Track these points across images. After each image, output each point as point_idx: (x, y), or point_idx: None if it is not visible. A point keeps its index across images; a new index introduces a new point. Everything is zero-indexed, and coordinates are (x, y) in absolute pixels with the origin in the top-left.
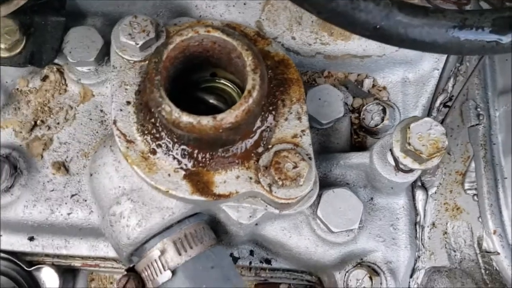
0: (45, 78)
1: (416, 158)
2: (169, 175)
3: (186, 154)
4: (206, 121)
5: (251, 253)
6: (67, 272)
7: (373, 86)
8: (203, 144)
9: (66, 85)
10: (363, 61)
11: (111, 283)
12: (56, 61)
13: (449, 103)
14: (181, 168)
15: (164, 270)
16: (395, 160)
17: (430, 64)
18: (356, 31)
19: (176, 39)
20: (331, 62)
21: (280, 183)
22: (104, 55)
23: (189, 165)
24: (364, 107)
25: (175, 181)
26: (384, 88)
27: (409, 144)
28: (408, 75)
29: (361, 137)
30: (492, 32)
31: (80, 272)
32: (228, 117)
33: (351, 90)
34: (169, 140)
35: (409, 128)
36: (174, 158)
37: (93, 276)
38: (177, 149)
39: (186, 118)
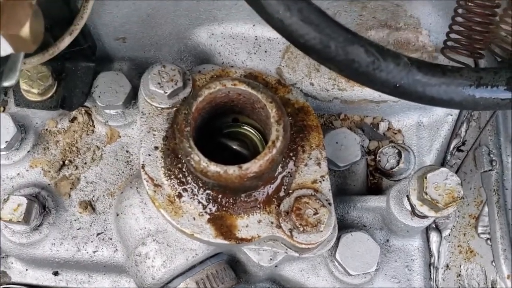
0: (73, 120)
1: (432, 206)
2: (194, 218)
3: (210, 199)
4: (232, 170)
5: None
6: None
7: (388, 129)
8: (228, 190)
9: (94, 126)
10: (378, 106)
11: None
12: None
13: (462, 147)
14: (206, 212)
15: None
16: (412, 206)
17: (444, 110)
18: (376, 89)
19: (205, 91)
20: (347, 106)
21: (301, 228)
22: (131, 99)
23: (213, 209)
24: (380, 150)
25: (199, 225)
26: (399, 131)
27: (426, 193)
28: (422, 119)
29: (377, 179)
30: (507, 90)
31: None
32: (253, 167)
33: (367, 133)
34: (194, 185)
35: (426, 177)
36: (199, 202)
37: None
38: (202, 194)
39: (213, 168)
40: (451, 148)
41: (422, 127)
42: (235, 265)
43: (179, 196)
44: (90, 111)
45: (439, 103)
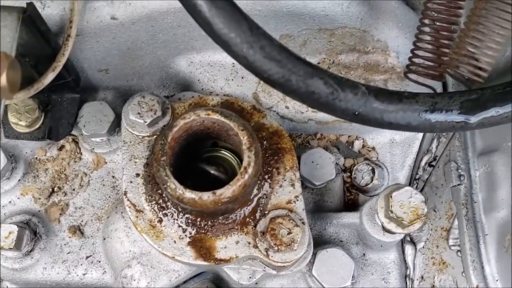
0: (61, 148)
1: (398, 223)
2: (174, 242)
3: (189, 222)
4: (206, 196)
5: None
6: None
7: (363, 146)
8: (205, 214)
9: (81, 154)
10: (352, 125)
11: None
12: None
13: (434, 163)
14: (186, 235)
15: None
16: (381, 223)
17: None
18: (338, 116)
19: (180, 122)
20: (322, 126)
21: (276, 248)
22: (115, 127)
23: (193, 232)
24: (355, 167)
25: (180, 248)
26: (373, 148)
27: (392, 211)
28: (395, 137)
29: (353, 195)
30: (461, 113)
31: None
32: (226, 192)
33: (343, 151)
34: (174, 209)
35: (391, 196)
36: (179, 226)
37: None
38: (181, 218)
39: (189, 195)
40: (423, 164)
41: (395, 144)
42: (220, 282)
43: (160, 220)
44: (77, 139)
45: (398, 128)
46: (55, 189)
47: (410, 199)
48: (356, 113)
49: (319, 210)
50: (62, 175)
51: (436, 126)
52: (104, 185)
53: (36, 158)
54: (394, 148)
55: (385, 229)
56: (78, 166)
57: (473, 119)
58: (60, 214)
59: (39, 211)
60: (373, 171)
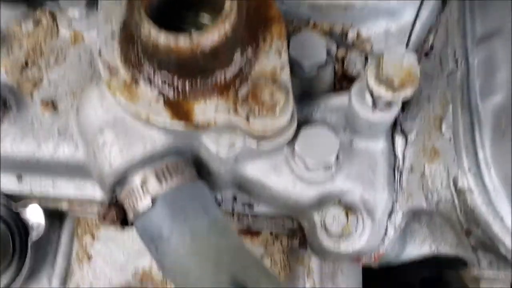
0: (38, 23)
1: (388, 85)
2: (150, 103)
3: (166, 82)
4: (183, 41)
5: (234, 198)
6: (53, 217)
7: (358, 37)
8: (183, 71)
9: (58, 30)
10: (346, 13)
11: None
12: (49, 7)
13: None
14: (162, 96)
15: (145, 198)
16: (370, 91)
17: (411, 15)
18: None
19: None
20: (316, 13)
21: (257, 112)
22: (96, 1)
23: (170, 94)
24: (347, 56)
25: (155, 109)
26: (368, 39)
27: (382, 73)
28: (390, 27)
29: (344, 88)
30: None
31: (67, 218)
32: (205, 37)
33: (336, 40)
34: (150, 68)
35: (382, 57)
36: (155, 86)
37: (80, 221)
38: (157, 78)
39: (164, 38)
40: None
41: (390, 34)
42: (199, 167)
43: (135, 81)
44: (55, 15)
45: None
46: (29, 63)
47: (403, 59)
48: None
49: (307, 99)
50: (37, 50)
51: None
52: (80, 61)
53: (11, 32)
54: (389, 39)
55: (375, 96)
56: (54, 42)
57: None
58: (34, 87)
59: (11, 84)
60: (366, 59)
